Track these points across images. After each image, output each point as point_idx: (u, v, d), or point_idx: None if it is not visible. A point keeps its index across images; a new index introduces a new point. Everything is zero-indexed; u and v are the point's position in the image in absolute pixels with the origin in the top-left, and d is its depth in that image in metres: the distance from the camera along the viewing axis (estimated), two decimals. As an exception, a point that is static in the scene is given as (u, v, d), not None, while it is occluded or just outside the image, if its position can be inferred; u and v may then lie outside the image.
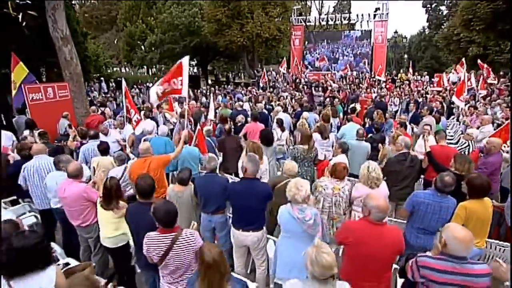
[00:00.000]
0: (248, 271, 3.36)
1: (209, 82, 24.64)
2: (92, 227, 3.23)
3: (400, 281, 2.50)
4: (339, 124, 7.12)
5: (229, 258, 3.09)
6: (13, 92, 6.83)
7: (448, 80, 13.03)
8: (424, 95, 10.97)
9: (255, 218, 2.84)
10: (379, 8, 19.08)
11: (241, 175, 4.32)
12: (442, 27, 29.18)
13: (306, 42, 21.18)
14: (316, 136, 5.08)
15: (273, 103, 9.22)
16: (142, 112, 7.54)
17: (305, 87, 12.81)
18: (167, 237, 2.08)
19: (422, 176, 4.21)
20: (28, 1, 7.23)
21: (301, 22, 20.96)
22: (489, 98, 9.78)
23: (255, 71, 18.73)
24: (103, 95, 14.90)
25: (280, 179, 3.41)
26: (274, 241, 3.16)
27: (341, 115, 7.79)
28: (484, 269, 1.70)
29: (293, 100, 9.54)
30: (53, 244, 3.26)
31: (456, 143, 7.54)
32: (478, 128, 5.91)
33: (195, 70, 31.02)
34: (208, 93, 14.21)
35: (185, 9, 20.49)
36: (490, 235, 2.96)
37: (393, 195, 3.48)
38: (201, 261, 1.68)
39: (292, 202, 2.40)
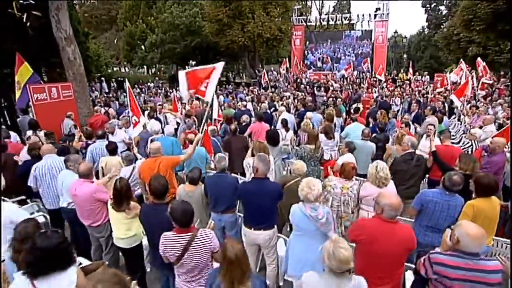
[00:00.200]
0: (257, 269, 3.41)
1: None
2: (103, 226, 3.25)
3: (408, 278, 2.56)
4: (342, 124, 7.17)
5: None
6: (17, 92, 6.84)
7: (448, 80, 13.11)
8: (424, 95, 11.03)
9: (266, 217, 2.88)
10: (379, 8, 19.15)
11: (247, 175, 4.39)
12: (442, 27, 29.30)
13: (307, 42, 21.25)
14: (321, 136, 5.13)
15: (275, 103, 9.26)
16: (146, 112, 7.57)
17: (307, 87, 12.85)
18: (184, 237, 2.11)
19: (426, 176, 4.27)
20: (31, 1, 7.24)
21: (301, 22, 21.02)
22: (489, 98, 9.87)
23: (257, 71, 18.77)
24: (105, 95, 14.91)
25: (289, 179, 3.46)
26: (284, 239, 3.21)
27: (344, 115, 7.84)
28: (497, 265, 1.75)
29: (296, 100, 9.58)
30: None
31: (458, 142, 7.61)
32: (480, 128, 5.97)
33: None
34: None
35: (186, 9, 20.52)
36: (496, 233, 3.02)
37: (399, 194, 3.49)
38: (223, 256, 1.72)
39: (304, 201, 2.45)
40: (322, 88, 11.49)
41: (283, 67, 17.19)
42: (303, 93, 11.47)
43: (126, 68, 34.69)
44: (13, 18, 7.15)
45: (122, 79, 17.57)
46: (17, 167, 4.14)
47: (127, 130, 6.28)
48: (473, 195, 3.32)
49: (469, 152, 5.02)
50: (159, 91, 15.85)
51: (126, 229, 2.84)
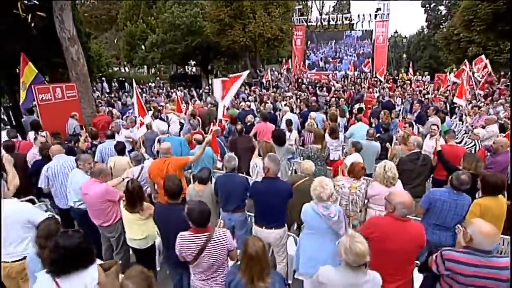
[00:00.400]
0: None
1: (209, 82, 24.70)
2: (114, 226, 3.28)
3: (416, 275, 2.62)
4: (345, 124, 7.22)
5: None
6: (22, 92, 6.85)
7: (449, 80, 13.17)
8: (425, 95, 11.09)
9: (277, 216, 2.93)
10: (380, 9, 19.22)
11: (254, 174, 4.44)
12: (441, 27, 29.40)
13: (309, 42, 21.32)
14: (326, 136, 5.18)
15: (277, 103, 9.30)
16: (150, 112, 7.59)
17: (310, 87, 12.90)
18: (201, 237, 2.14)
19: (431, 175, 4.32)
20: (35, 2, 7.24)
21: (302, 22, 21.08)
22: (490, 98, 9.94)
23: (258, 70, 18.81)
24: (106, 95, 14.93)
25: (297, 178, 3.51)
26: (293, 238, 3.26)
27: (347, 115, 7.89)
28: (508, 262, 1.80)
29: (299, 100, 9.62)
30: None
31: (460, 142, 7.67)
32: (483, 127, 6.03)
33: (194, 69, 31.09)
34: (211, 93, 14.28)
35: (187, 8, 20.52)
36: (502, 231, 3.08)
37: (406, 193, 3.59)
38: (244, 252, 1.77)
39: (316, 200, 2.49)
40: (325, 88, 11.53)
41: (285, 67, 17.23)
42: (305, 93, 11.51)
43: (126, 68, 34.69)
44: (17, 19, 7.15)
45: (123, 79, 17.62)
46: (27, 167, 4.18)
47: (132, 130, 6.32)
48: (477, 195, 3.41)
49: (473, 152, 5.07)
50: (160, 91, 15.87)
51: (140, 230, 2.86)
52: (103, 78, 18.00)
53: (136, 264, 3.38)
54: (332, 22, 20.81)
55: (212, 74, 29.22)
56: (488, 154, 4.51)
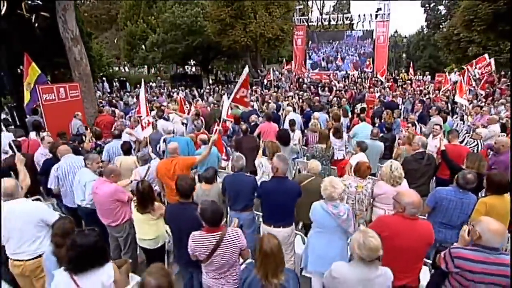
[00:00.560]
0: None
1: (210, 81, 24.74)
2: (122, 226, 3.30)
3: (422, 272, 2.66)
4: (348, 124, 7.27)
5: (255, 255, 3.22)
6: (26, 92, 6.87)
7: (450, 79, 13.23)
8: (426, 95, 11.14)
9: (285, 215, 2.98)
10: (380, 9, 19.27)
11: (259, 174, 4.48)
12: (441, 26, 29.49)
13: (310, 42, 21.36)
14: (330, 135, 5.22)
15: (280, 103, 9.34)
16: (153, 112, 7.61)
17: (312, 87, 12.94)
18: (214, 236, 2.17)
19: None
20: (39, 2, 7.27)
21: (303, 22, 21.12)
22: (491, 97, 9.99)
23: (259, 70, 18.85)
24: (108, 95, 14.95)
25: (304, 178, 3.55)
26: (301, 236, 3.30)
27: (349, 115, 7.94)
28: (516, 259, 1.85)
29: (301, 100, 9.66)
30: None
31: (461, 142, 7.71)
32: (485, 127, 6.07)
33: (193, 69, 31.10)
34: (212, 93, 14.32)
35: (187, 8, 20.54)
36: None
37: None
38: (259, 249, 1.81)
39: (327, 199, 2.54)
40: (326, 88, 11.58)
41: (287, 68, 17.26)
42: (307, 93, 11.55)
43: (126, 68, 34.67)
44: (20, 19, 7.18)
45: (124, 78, 17.60)
46: (34, 167, 4.21)
47: (136, 129, 6.34)
48: (480, 194, 3.46)
49: (475, 152, 5.12)
50: (161, 91, 15.89)
51: (151, 230, 2.87)
52: (104, 78, 17.99)
53: (143, 264, 3.47)
54: (333, 22, 20.85)
55: (212, 73, 29.28)
56: (491, 153, 4.55)
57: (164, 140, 5.21)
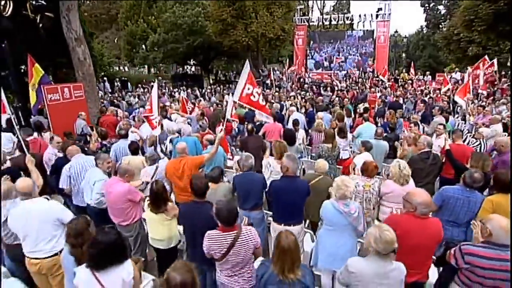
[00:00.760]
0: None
1: (210, 81, 24.77)
2: (132, 226, 3.34)
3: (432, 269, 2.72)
4: (351, 124, 7.32)
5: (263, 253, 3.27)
6: (32, 92, 6.89)
7: (450, 79, 13.30)
8: (427, 95, 11.20)
9: (295, 213, 3.03)
10: (381, 8, 19.33)
11: (266, 174, 4.53)
12: (440, 26, 29.59)
13: (311, 42, 21.42)
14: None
15: (283, 103, 9.39)
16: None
17: (314, 87, 13.00)
18: (230, 235, 2.20)
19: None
20: (43, 2, 7.30)
21: (304, 22, 21.17)
22: (492, 97, 10.07)
23: (260, 70, 18.90)
24: (109, 94, 14.97)
25: (312, 177, 3.60)
26: (310, 234, 3.36)
27: (352, 114, 7.99)
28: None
29: (303, 100, 9.72)
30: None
31: (463, 141, 7.78)
32: (487, 127, 6.13)
33: (193, 69, 31.12)
34: (214, 93, 14.37)
35: (188, 8, 20.59)
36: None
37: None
38: (277, 245, 1.86)
39: (338, 198, 2.59)
40: (329, 88, 11.63)
41: (292, 69, 17.30)
42: (309, 93, 11.60)
43: (126, 68, 34.66)
44: (25, 19, 7.20)
45: (125, 78, 17.62)
46: (43, 167, 4.25)
47: (140, 128, 6.36)
48: (484, 192, 3.51)
49: (478, 151, 5.18)
50: (163, 90, 15.92)
51: (165, 230, 2.89)
52: (105, 78, 18.01)
53: (152, 263, 3.51)
54: (333, 22, 20.91)
55: (212, 73, 29.32)
56: (495, 153, 4.61)
57: (171, 140, 5.25)
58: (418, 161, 3.93)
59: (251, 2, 17.16)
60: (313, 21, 21.54)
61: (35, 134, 5.91)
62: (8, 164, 3.99)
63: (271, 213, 3.44)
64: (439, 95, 10.79)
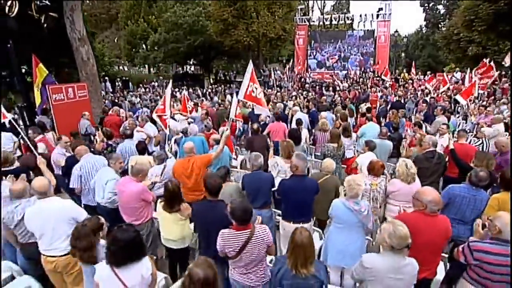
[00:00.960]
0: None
1: (211, 81, 24.79)
2: (144, 225, 3.35)
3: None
4: (354, 123, 7.38)
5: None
6: (37, 92, 6.92)
7: (451, 79, 13.39)
8: (428, 95, 11.27)
9: (305, 211, 3.08)
10: (382, 8, 19.40)
11: (274, 173, 4.58)
12: (440, 26, 29.69)
13: (313, 42, 21.48)
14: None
15: (285, 102, 9.43)
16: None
17: (316, 87, 13.06)
18: (244, 233, 2.24)
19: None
20: (47, 2, 7.32)
21: (304, 21, 21.22)
22: (492, 97, 10.14)
23: (261, 70, 18.95)
24: (111, 94, 14.99)
25: (319, 176, 3.66)
26: (318, 233, 3.41)
27: (354, 114, 8.06)
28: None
29: (306, 100, 9.77)
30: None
31: (465, 140, 7.85)
32: (489, 126, 6.19)
33: (193, 69, 31.13)
34: (215, 92, 14.41)
35: (189, 8, 20.61)
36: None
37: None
38: (292, 241, 1.92)
39: (349, 197, 2.65)
40: (331, 88, 11.68)
41: (295, 69, 17.34)
42: (310, 93, 11.65)
43: (125, 67, 34.63)
44: (29, 19, 7.22)
45: (126, 78, 17.63)
46: (51, 167, 4.28)
47: (145, 127, 6.37)
48: (488, 191, 3.57)
49: (481, 150, 5.24)
50: (165, 90, 15.92)
51: (178, 230, 2.92)
52: (106, 78, 18.02)
53: (161, 261, 3.55)
54: (334, 22, 20.97)
55: (212, 73, 29.35)
56: (497, 153, 4.67)
57: (175, 141, 5.28)
58: (423, 160, 3.98)
59: (252, 2, 17.20)
60: (313, 21, 21.60)
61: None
62: (16, 164, 4.02)
63: (279, 211, 3.50)
64: (440, 95, 10.87)
